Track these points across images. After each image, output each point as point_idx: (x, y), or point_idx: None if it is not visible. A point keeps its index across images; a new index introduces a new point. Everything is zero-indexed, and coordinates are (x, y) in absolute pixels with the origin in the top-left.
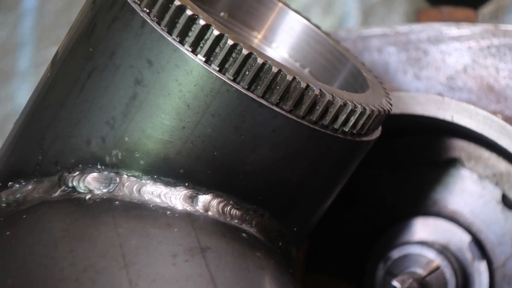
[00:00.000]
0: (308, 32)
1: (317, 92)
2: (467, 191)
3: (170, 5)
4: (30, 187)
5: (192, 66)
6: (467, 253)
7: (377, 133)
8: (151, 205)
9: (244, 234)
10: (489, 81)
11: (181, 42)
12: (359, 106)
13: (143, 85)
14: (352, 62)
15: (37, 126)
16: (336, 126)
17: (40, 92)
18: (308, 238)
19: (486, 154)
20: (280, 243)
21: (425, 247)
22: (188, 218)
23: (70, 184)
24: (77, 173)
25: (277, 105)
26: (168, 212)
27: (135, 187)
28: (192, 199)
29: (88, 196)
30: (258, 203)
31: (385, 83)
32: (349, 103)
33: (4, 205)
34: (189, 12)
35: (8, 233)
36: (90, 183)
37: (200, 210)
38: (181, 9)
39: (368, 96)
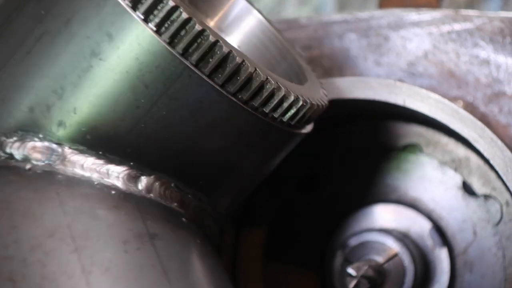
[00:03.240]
0: (259, 26)
1: (275, 86)
2: (427, 177)
3: None
4: None
5: (155, 47)
6: (428, 240)
7: (309, 128)
8: (95, 183)
9: (184, 219)
10: (450, 66)
11: (146, 20)
12: (301, 97)
13: (99, 58)
14: (294, 56)
15: None
16: (285, 119)
17: None
18: (268, 226)
19: (444, 139)
20: (212, 227)
21: (384, 235)
22: (133, 199)
23: (8, 150)
24: (15, 138)
25: (234, 95)
26: (113, 192)
27: (78, 162)
28: (136, 179)
29: (28, 166)
30: (198, 188)
31: (345, 69)
32: (301, 98)
33: None
34: None
35: None
36: (30, 152)
37: (143, 191)
38: None
39: (306, 89)
